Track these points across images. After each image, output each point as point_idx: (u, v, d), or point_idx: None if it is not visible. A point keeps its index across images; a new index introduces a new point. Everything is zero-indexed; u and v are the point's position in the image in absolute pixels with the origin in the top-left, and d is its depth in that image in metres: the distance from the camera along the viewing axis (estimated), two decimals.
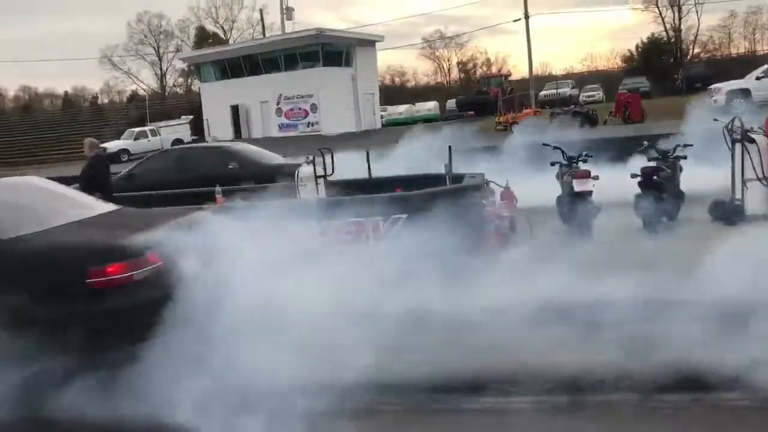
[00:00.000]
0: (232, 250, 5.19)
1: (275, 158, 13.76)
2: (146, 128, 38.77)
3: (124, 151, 35.15)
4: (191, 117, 42.52)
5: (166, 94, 68.50)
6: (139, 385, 4.19)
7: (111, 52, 66.11)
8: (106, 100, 73.80)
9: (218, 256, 5.12)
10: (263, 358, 4.42)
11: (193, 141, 38.42)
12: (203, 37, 66.85)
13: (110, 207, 5.88)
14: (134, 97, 67.71)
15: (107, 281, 4.26)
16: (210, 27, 69.61)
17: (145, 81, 71.05)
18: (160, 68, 69.95)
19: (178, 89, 72.38)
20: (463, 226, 6.93)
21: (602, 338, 4.90)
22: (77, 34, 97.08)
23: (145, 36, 67.54)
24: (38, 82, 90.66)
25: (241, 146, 14.49)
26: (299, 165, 9.76)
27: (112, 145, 34.32)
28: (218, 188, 9.28)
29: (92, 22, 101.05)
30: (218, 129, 39.09)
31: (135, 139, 37.06)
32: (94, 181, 9.83)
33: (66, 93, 77.15)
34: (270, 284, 5.06)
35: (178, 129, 39.84)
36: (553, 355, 4.82)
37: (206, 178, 10.45)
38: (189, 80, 69.08)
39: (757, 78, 24.27)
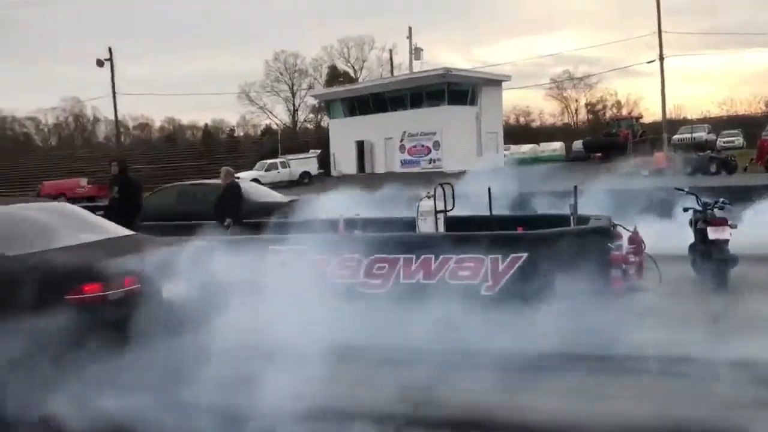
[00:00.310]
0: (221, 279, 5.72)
1: (271, 196, 14.37)
2: (277, 160, 40.66)
3: (256, 180, 36.90)
4: (319, 151, 44.18)
5: (297, 128, 71.69)
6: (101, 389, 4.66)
7: (249, 89, 70.29)
8: (241, 133, 78.33)
9: (209, 284, 5.57)
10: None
11: (320, 174, 39.80)
12: (334, 76, 69.64)
13: (123, 233, 6.26)
14: (268, 130, 71.38)
15: (81, 299, 4.75)
16: (341, 66, 72.56)
17: (278, 116, 74.81)
18: (293, 104, 73.45)
19: (309, 124, 75.62)
20: (586, 268, 6.72)
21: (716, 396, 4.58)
22: (219, 71, 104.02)
23: (281, 74, 71.27)
24: (182, 114, 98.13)
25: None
26: (292, 202, 10.07)
27: (245, 175, 36.13)
28: (341, 218, 9.55)
29: (233, 60, 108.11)
30: (344, 163, 40.37)
31: (266, 170, 38.92)
32: (227, 206, 10.40)
33: (206, 125, 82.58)
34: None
35: (306, 162, 41.46)
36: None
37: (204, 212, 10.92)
38: (319, 116, 72.01)
39: None
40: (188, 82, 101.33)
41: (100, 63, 42.86)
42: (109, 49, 43.42)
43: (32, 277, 4.81)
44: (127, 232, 6.37)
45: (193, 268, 5.48)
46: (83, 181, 38.86)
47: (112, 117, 51.28)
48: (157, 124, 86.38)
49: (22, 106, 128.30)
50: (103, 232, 6.02)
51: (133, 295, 4.92)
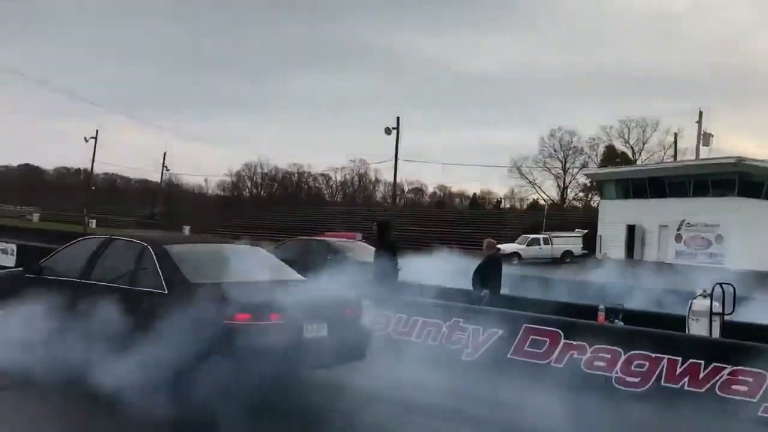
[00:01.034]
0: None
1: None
2: (540, 236, 40.24)
3: (516, 254, 36.92)
4: (585, 231, 42.79)
5: (565, 206, 70.42)
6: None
7: (521, 163, 71.01)
8: (508, 205, 79.18)
9: (352, 331, 6.85)
10: None
11: (583, 254, 38.46)
12: (611, 156, 67.50)
13: (294, 277, 7.50)
14: (534, 205, 71.25)
15: (235, 324, 5.97)
16: (619, 146, 70.15)
17: (547, 191, 74.34)
18: (563, 181, 72.50)
19: (577, 203, 73.89)
20: None
21: None
22: (492, 143, 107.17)
23: (555, 150, 71.02)
24: (452, 181, 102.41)
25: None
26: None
27: (506, 248, 36.31)
28: (602, 306, 9.09)
29: (507, 134, 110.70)
30: (611, 246, 38.52)
31: (528, 244, 38.72)
32: (485, 276, 10.51)
33: (474, 194, 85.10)
34: None
35: (569, 240, 40.43)
36: None
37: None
38: (589, 195, 70.03)
39: None
40: (461, 152, 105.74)
41: (387, 131, 46.78)
42: (397, 119, 47.26)
43: (204, 301, 6.09)
44: (298, 277, 7.56)
45: (336, 315, 6.64)
46: (358, 236, 42.19)
47: (391, 179, 55.31)
48: (430, 189, 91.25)
49: (317, 163, 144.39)
50: (276, 275, 7.21)
51: (276, 327, 6.04)
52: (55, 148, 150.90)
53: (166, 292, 6.47)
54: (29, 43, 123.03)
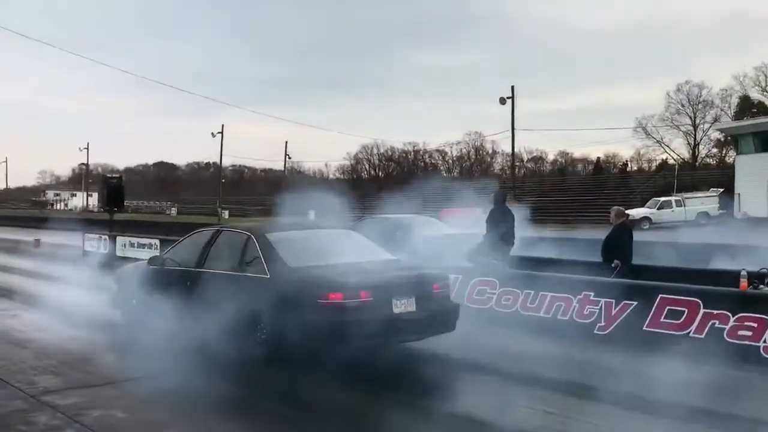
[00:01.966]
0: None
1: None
2: (671, 198, 38.24)
3: (646, 219, 35.35)
4: (721, 190, 40.19)
5: (697, 164, 66.37)
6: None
7: (646, 122, 67.52)
8: (634, 168, 75.63)
9: (442, 306, 7.33)
10: None
11: (721, 215, 36.21)
12: (746, 107, 62.68)
13: (385, 257, 7.96)
14: (663, 166, 67.62)
15: (329, 303, 6.51)
16: (755, 96, 64.91)
17: (676, 150, 70.31)
18: (694, 138, 68.29)
19: (710, 160, 69.43)
20: None
21: None
22: (615, 104, 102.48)
23: (683, 105, 66.91)
24: (574, 147, 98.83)
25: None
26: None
27: (635, 213, 34.84)
28: (744, 271, 8.57)
29: (631, 92, 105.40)
30: (752, 205, 35.93)
31: (659, 208, 36.94)
32: (615, 247, 10.19)
33: (598, 159, 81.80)
34: None
35: (705, 201, 38.12)
36: None
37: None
38: (723, 151, 65.62)
39: None
40: (583, 116, 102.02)
41: (502, 101, 45.80)
42: (512, 88, 46.14)
43: (301, 283, 6.81)
44: (388, 256, 8.01)
45: (424, 291, 7.09)
46: (478, 210, 41.87)
47: (509, 150, 54.38)
48: (550, 157, 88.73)
49: (432, 139, 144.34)
50: (367, 255, 7.78)
51: (366, 305, 6.58)
52: (186, 145, 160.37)
53: (269, 276, 7.18)
54: (148, 47, 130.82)
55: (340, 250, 7.68)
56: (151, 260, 8.95)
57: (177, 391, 6.29)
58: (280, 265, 7.20)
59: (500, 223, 10.65)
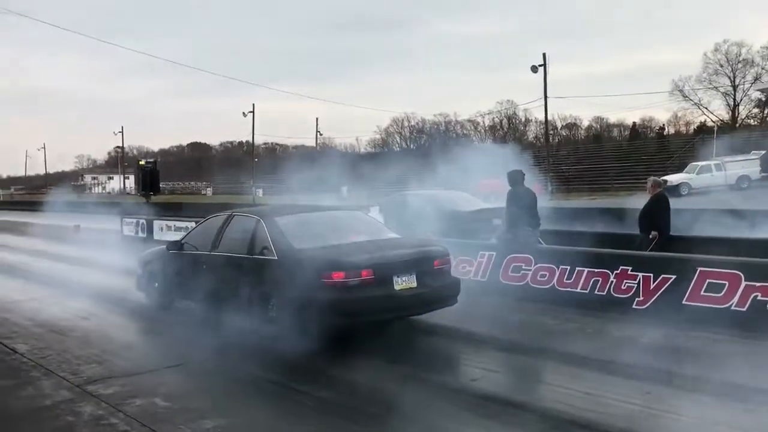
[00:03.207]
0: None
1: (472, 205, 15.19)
2: (711, 162, 37.27)
3: (685, 184, 34.56)
4: (763, 152, 39.08)
5: (737, 126, 64.56)
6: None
7: (683, 84, 65.77)
8: (671, 132, 73.90)
9: (442, 281, 7.66)
10: None
11: (764, 178, 35.25)
12: None
13: (389, 236, 8.28)
14: (702, 128, 65.92)
15: (332, 282, 6.88)
16: None
17: (715, 112, 68.44)
18: (734, 99, 66.32)
19: (751, 121, 67.46)
20: None
21: None
22: (652, 67, 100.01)
23: (721, 66, 64.90)
24: (610, 112, 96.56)
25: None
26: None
27: (674, 179, 34.10)
28: None
29: (667, 54, 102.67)
30: None
31: (697, 173, 36.03)
32: (653, 218, 9.99)
33: (634, 124, 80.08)
34: None
35: (745, 164, 37.04)
36: None
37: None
38: (765, 111, 63.67)
39: None
40: (619, 80, 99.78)
41: (534, 69, 45.06)
42: (543, 55, 45.31)
43: (306, 263, 7.10)
44: (391, 235, 8.36)
45: (425, 267, 7.40)
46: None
47: (542, 118, 53.60)
48: (585, 123, 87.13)
49: (464, 110, 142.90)
50: (371, 235, 8.10)
51: (367, 283, 6.95)
52: (218, 126, 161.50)
53: (276, 258, 7.52)
54: (171, 34, 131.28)
55: (345, 231, 8.10)
56: (170, 245, 9.35)
57: (215, 378, 6.42)
58: (286, 246, 7.52)
59: (519, 208, 10.01)
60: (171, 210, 28.60)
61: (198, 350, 7.29)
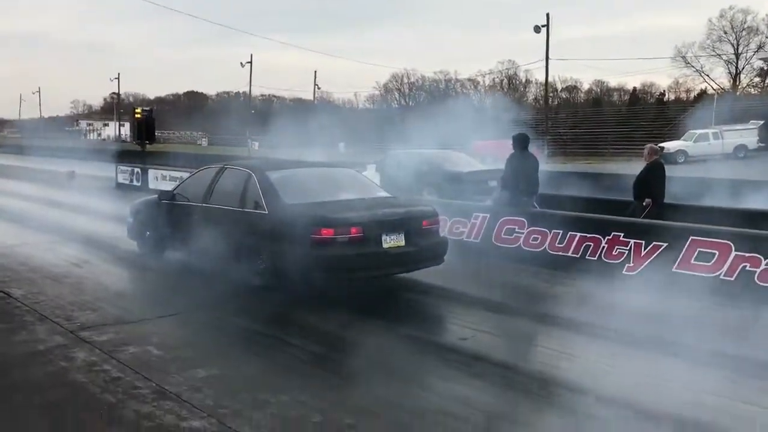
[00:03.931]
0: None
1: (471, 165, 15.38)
2: (709, 131, 37.11)
3: (682, 152, 34.50)
4: (761, 122, 38.97)
5: (738, 94, 64.20)
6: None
7: (686, 50, 65.14)
8: (672, 98, 73.46)
9: (430, 240, 7.75)
10: None
11: (760, 148, 35.24)
12: None
13: (378, 194, 8.38)
14: (702, 96, 65.54)
15: (321, 239, 6.94)
16: None
17: (716, 80, 67.95)
18: (736, 67, 65.85)
19: (753, 90, 67.07)
20: None
21: None
22: (655, 32, 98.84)
23: (725, 32, 64.26)
24: (611, 76, 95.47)
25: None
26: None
27: (671, 146, 33.98)
28: None
29: (669, 19, 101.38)
30: None
31: (695, 141, 35.92)
32: (648, 185, 9.99)
33: (634, 89, 79.55)
34: None
35: (743, 134, 36.93)
36: None
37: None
38: (767, 81, 63.26)
39: None
40: (621, 44, 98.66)
41: (536, 29, 44.50)
42: (547, 15, 44.70)
43: (296, 219, 7.16)
44: (382, 194, 8.42)
45: (413, 227, 7.50)
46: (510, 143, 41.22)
47: (542, 79, 53.12)
48: (585, 86, 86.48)
49: (464, 69, 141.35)
50: (362, 193, 8.17)
51: (356, 240, 7.04)
52: (215, 75, 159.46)
53: (267, 212, 7.59)
54: None
55: (336, 188, 8.14)
56: (162, 195, 9.39)
57: (207, 329, 6.49)
58: (277, 201, 7.60)
59: (521, 173, 10.02)
60: (166, 159, 28.45)
61: (190, 301, 7.37)
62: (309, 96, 75.64)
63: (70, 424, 4.26)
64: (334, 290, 7.29)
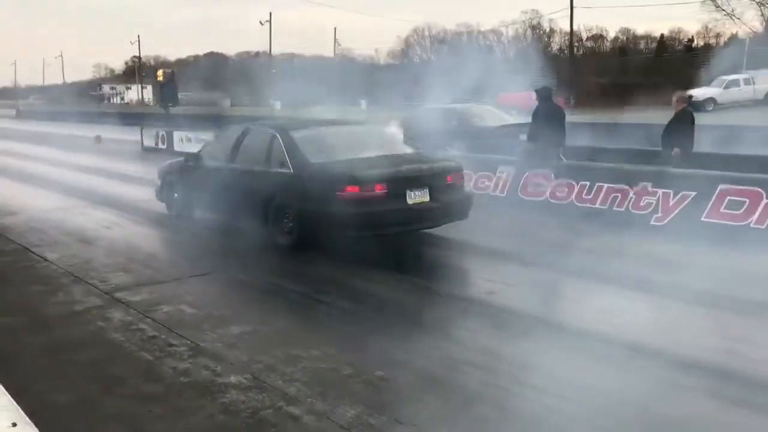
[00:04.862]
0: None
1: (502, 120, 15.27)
2: (740, 76, 36.13)
3: (711, 100, 33.70)
4: None
5: None
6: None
7: None
8: (701, 44, 71.44)
9: (455, 195, 7.75)
10: None
11: None
12: None
13: (403, 151, 8.30)
14: (732, 40, 63.60)
15: (346, 196, 6.99)
16: None
17: (747, 24, 65.77)
18: None
19: None
20: None
21: None
22: None
23: None
24: (638, 24, 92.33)
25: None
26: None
27: (699, 93, 33.15)
28: None
29: None
30: None
31: (725, 87, 35.05)
32: (676, 134, 9.83)
33: (662, 36, 77.41)
34: None
35: None
36: None
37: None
38: None
39: None
40: None
41: None
42: None
43: (321, 177, 7.31)
44: (407, 150, 8.38)
45: (438, 182, 7.50)
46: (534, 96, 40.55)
47: (567, 28, 51.98)
48: (612, 34, 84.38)
49: (486, 21, 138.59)
50: (386, 150, 8.12)
51: (380, 196, 7.07)
52: (235, 34, 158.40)
53: (292, 171, 7.67)
54: None
55: (360, 146, 8.15)
56: (188, 157, 9.53)
57: (238, 288, 6.62)
58: (302, 160, 7.66)
59: (547, 125, 10.05)
60: (190, 121, 28.59)
61: (220, 260, 7.50)
62: (330, 53, 75.07)
63: (111, 380, 4.40)
64: (360, 247, 7.35)
